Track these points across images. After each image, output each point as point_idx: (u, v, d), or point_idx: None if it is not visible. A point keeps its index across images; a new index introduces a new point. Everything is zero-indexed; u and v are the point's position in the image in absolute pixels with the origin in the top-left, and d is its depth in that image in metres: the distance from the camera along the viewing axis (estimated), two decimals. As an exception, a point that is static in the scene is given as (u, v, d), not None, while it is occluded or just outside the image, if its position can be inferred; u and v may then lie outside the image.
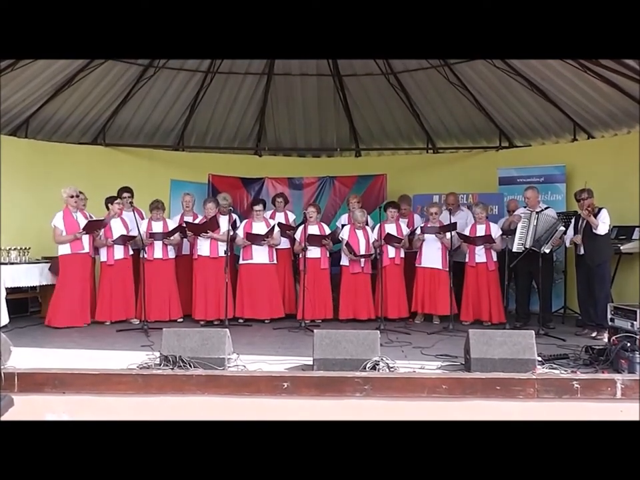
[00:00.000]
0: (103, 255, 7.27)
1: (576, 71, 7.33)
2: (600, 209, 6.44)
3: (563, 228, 6.76)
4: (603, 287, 6.41)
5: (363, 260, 7.46)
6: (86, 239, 7.02)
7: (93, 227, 7.03)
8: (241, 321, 7.30)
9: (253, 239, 7.30)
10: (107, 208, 7.36)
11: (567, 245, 6.96)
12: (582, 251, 6.55)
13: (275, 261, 7.54)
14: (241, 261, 7.49)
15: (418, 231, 7.55)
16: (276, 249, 7.59)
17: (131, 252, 7.37)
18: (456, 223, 7.28)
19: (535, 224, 6.80)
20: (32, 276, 7.25)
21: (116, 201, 7.30)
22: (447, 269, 7.29)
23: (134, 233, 7.21)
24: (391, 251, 7.47)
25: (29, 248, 7.47)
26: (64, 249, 6.94)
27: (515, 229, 7.04)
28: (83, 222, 6.99)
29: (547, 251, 6.72)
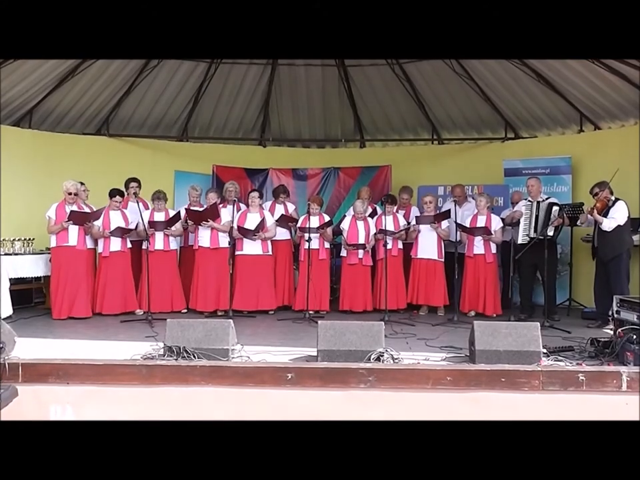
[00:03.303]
0: (100, 247, 7.23)
1: (582, 61, 7.26)
2: (616, 201, 6.39)
3: (557, 208, 6.72)
4: (618, 281, 6.30)
5: (361, 251, 7.44)
6: (74, 232, 6.92)
7: (77, 217, 6.91)
8: (245, 312, 7.28)
9: (244, 233, 7.25)
10: (110, 198, 7.31)
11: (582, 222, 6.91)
12: (596, 244, 6.52)
13: (270, 252, 7.46)
14: (236, 252, 7.41)
15: (413, 222, 7.54)
16: (276, 240, 7.55)
17: (129, 244, 7.30)
18: (449, 210, 7.25)
19: (536, 214, 6.78)
20: (36, 267, 7.26)
21: (114, 199, 7.21)
22: (443, 260, 7.33)
23: (134, 225, 7.19)
24: (388, 243, 7.43)
25: (33, 239, 7.47)
26: (52, 242, 6.97)
27: (519, 222, 7.02)
28: None
29: (551, 234, 6.68)
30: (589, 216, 6.53)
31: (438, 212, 7.64)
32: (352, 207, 7.75)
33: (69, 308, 6.89)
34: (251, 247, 7.33)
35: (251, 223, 7.31)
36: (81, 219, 6.96)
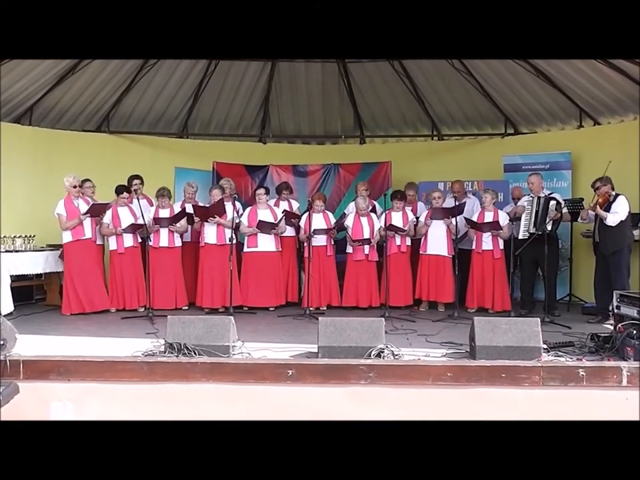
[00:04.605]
0: (113, 244, 7.25)
1: (582, 56, 7.26)
2: (616, 196, 6.39)
3: (554, 202, 6.72)
4: (619, 275, 6.30)
5: (367, 247, 7.45)
6: (88, 225, 7.00)
7: (96, 210, 7.01)
8: (245, 308, 7.30)
9: (264, 226, 7.29)
10: (117, 195, 7.33)
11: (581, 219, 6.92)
12: (598, 239, 6.52)
13: (280, 249, 7.54)
14: (245, 249, 7.46)
15: (422, 219, 7.52)
16: (281, 237, 7.59)
17: (140, 240, 7.34)
18: (464, 203, 7.26)
19: (536, 209, 6.78)
20: (37, 264, 7.28)
21: (121, 195, 7.26)
22: (451, 256, 7.31)
23: (142, 221, 7.21)
24: (397, 239, 7.46)
25: (34, 236, 7.49)
26: (66, 237, 6.95)
27: (520, 217, 7.03)
28: (84, 208, 6.98)
29: (549, 228, 6.68)
30: (589, 212, 6.54)
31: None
32: (353, 204, 7.76)
33: (89, 302, 6.96)
34: (266, 244, 7.40)
35: (264, 218, 7.36)
36: (99, 211, 7.05)
